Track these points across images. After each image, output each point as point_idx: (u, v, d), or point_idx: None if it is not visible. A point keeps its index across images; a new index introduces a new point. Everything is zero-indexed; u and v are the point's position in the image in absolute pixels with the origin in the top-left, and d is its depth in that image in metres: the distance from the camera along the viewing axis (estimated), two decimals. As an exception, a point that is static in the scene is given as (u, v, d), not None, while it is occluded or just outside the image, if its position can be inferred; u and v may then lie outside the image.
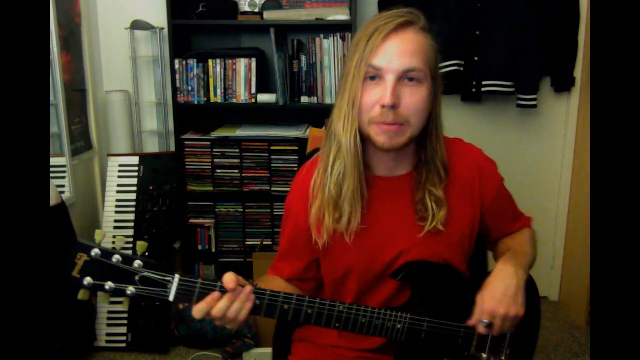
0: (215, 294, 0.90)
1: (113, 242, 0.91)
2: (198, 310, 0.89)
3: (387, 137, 0.98)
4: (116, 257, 0.87)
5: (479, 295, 1.02)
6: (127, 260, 0.87)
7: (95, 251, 0.86)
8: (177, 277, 0.88)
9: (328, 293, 1.17)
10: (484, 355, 1.06)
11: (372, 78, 0.98)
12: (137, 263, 0.87)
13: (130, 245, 2.32)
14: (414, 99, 0.98)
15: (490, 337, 1.06)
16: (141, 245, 0.90)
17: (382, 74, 0.97)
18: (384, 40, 0.97)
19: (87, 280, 0.86)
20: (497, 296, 1.00)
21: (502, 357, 1.07)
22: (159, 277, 0.87)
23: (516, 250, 1.13)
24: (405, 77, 0.97)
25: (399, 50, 0.97)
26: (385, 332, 1.02)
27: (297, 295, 0.97)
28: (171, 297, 0.89)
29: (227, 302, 0.90)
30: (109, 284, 0.87)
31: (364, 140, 1.03)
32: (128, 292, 0.87)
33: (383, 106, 0.96)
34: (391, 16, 0.99)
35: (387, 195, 1.09)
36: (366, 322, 1.00)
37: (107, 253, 0.87)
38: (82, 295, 0.87)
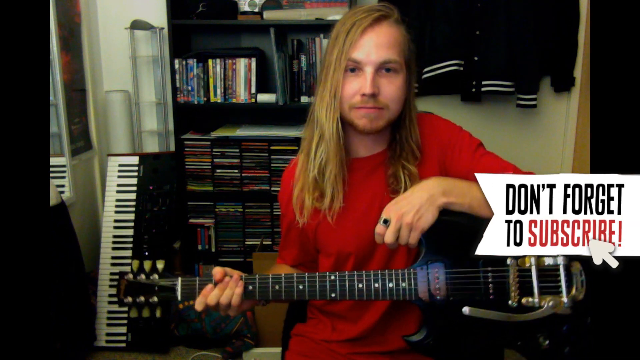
0: (209, 286, 1.01)
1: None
2: (198, 303, 1.01)
3: (367, 120, 1.05)
4: (142, 277, 1.06)
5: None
6: (147, 276, 1.06)
7: (128, 276, 1.06)
8: (179, 279, 1.04)
9: None
10: (536, 300, 0.91)
11: (352, 70, 1.05)
12: (153, 277, 1.06)
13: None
14: (391, 88, 1.05)
15: (536, 273, 0.92)
16: (160, 262, 1.10)
17: (362, 66, 1.04)
18: (362, 34, 1.03)
19: (127, 299, 1.05)
20: (401, 200, 0.98)
21: (571, 297, 0.91)
22: (169, 283, 1.04)
23: (461, 180, 1.03)
24: (382, 68, 1.04)
25: (376, 44, 1.03)
26: (389, 294, 0.98)
27: (285, 274, 1.02)
28: (179, 298, 1.04)
29: (218, 291, 1.00)
30: (140, 298, 1.05)
31: (345, 125, 1.09)
32: (151, 300, 1.05)
33: (363, 95, 1.03)
34: (367, 11, 1.06)
35: (363, 174, 1.13)
36: (364, 287, 0.99)
37: (135, 274, 1.06)
38: (132, 313, 1.09)
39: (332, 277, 1.00)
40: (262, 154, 2.47)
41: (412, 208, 0.96)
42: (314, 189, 1.11)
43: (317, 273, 1.02)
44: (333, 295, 1.00)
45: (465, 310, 0.95)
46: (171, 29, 2.38)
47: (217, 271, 1.01)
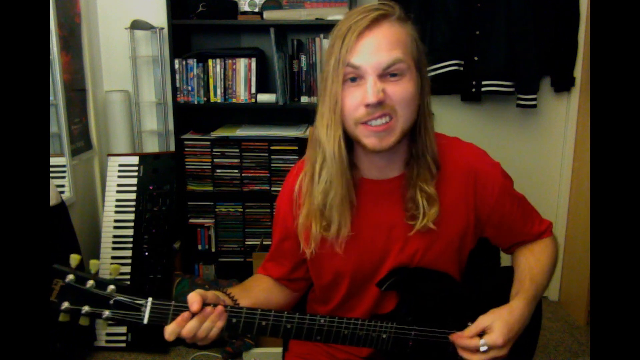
0: (186, 314, 0.88)
1: (110, 274, 0.92)
2: (170, 332, 0.88)
3: (377, 139, 0.93)
4: (90, 283, 0.87)
5: (486, 319, 1.00)
6: (101, 285, 0.88)
7: (69, 277, 0.87)
8: (149, 300, 0.88)
9: (318, 294, 1.18)
10: None
11: (353, 80, 0.93)
12: (110, 288, 0.88)
13: (129, 270, 2.35)
14: (398, 90, 0.92)
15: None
16: (114, 268, 0.91)
17: (362, 74, 0.91)
18: (358, 38, 0.91)
19: (65, 305, 0.87)
20: (509, 336, 1.00)
21: None
22: (131, 301, 0.88)
23: (535, 276, 1.08)
24: (387, 73, 0.92)
25: (376, 47, 0.91)
26: (370, 342, 1.00)
27: (275, 311, 0.95)
28: (145, 321, 0.88)
29: (197, 322, 0.89)
30: (85, 309, 0.87)
31: (353, 142, 0.99)
32: (104, 316, 0.88)
33: (368, 105, 0.91)
34: (364, 11, 0.93)
35: (376, 199, 1.04)
36: (349, 334, 0.98)
37: (81, 279, 0.87)
38: (62, 318, 0.88)
39: (321, 321, 0.97)
40: (262, 154, 2.47)
41: (509, 346, 1.00)
42: (321, 218, 1.01)
43: (307, 315, 0.97)
44: (318, 338, 0.98)
45: None
46: (171, 29, 2.39)
47: (194, 300, 0.88)
